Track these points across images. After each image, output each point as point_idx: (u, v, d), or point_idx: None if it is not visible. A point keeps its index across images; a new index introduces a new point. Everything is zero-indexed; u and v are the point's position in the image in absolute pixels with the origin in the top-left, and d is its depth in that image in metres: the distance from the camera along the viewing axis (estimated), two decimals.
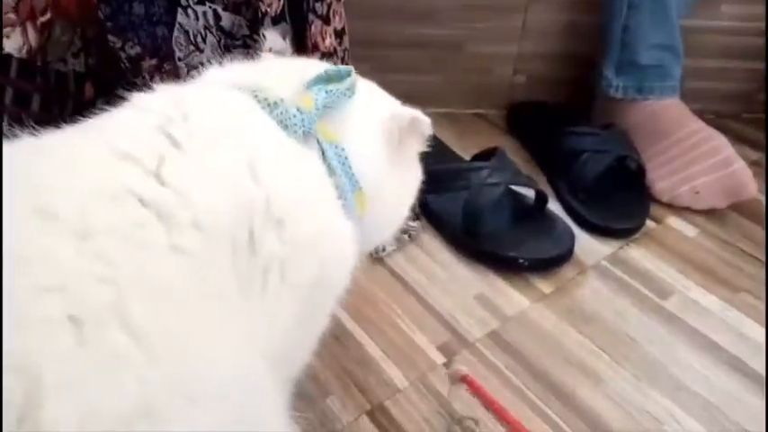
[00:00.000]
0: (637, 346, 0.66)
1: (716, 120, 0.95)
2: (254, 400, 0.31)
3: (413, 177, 0.52)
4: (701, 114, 0.89)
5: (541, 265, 0.75)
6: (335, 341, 0.65)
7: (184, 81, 0.44)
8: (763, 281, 0.74)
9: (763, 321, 0.69)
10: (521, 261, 0.74)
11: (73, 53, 0.69)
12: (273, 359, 0.34)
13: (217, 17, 0.63)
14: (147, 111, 0.36)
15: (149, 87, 0.39)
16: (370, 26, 0.95)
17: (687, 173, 0.84)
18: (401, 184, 0.50)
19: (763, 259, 0.77)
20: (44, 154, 0.32)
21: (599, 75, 0.92)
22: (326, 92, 0.42)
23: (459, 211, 0.77)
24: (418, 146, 0.51)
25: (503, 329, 0.68)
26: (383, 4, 0.95)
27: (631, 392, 0.61)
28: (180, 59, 0.65)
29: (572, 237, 0.77)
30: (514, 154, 0.91)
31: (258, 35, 0.61)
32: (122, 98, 0.38)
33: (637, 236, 0.81)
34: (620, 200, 0.84)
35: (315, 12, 0.64)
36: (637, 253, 0.78)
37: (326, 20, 0.65)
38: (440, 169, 0.79)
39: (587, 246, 0.79)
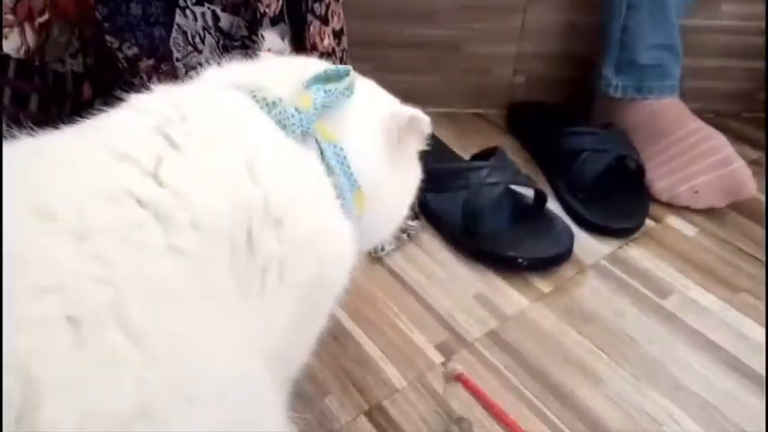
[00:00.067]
0: (636, 346, 0.66)
1: (715, 119, 0.95)
2: (253, 400, 0.31)
3: (412, 176, 0.52)
4: (700, 113, 0.89)
5: (540, 265, 0.75)
6: (334, 340, 0.65)
7: (182, 81, 0.44)
8: (763, 280, 0.74)
9: (761, 321, 0.69)
10: (520, 260, 0.74)
11: (71, 53, 0.69)
12: (272, 359, 0.34)
13: (215, 18, 0.63)
14: (145, 111, 0.36)
15: (147, 88, 0.39)
16: (369, 26, 0.95)
17: (686, 172, 0.84)
18: (400, 183, 0.50)
19: (763, 258, 0.77)
20: (42, 154, 0.32)
21: (598, 74, 0.92)
22: (325, 91, 0.42)
23: (458, 210, 0.77)
24: (418, 145, 0.51)
25: (502, 329, 0.68)
26: (382, 5, 0.95)
27: (630, 392, 0.61)
28: (178, 60, 0.65)
29: (571, 236, 0.77)
30: (514, 154, 0.91)
31: (257, 36, 0.61)
32: (120, 99, 0.38)
33: (636, 235, 0.81)
34: (619, 199, 0.84)
35: (313, 12, 0.64)
36: (636, 252, 0.78)
37: (325, 20, 0.65)
38: (439, 169, 0.79)
39: (586, 245, 0.79)
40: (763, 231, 0.81)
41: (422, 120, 0.47)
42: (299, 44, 0.64)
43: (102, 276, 0.26)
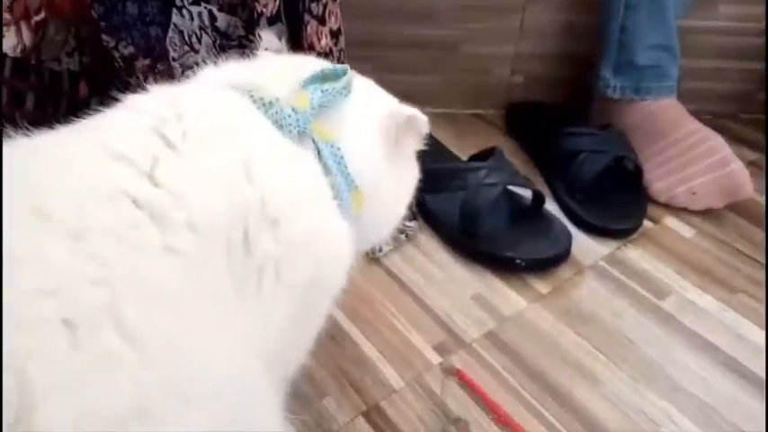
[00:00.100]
0: (634, 347, 0.66)
1: (713, 120, 0.95)
2: (249, 401, 0.31)
3: (410, 176, 0.52)
4: (698, 115, 0.89)
5: (539, 266, 0.75)
6: (332, 341, 0.65)
7: (179, 81, 0.43)
8: (760, 281, 0.74)
9: (759, 322, 0.69)
10: (518, 261, 0.74)
11: (67, 52, 0.69)
12: (269, 359, 0.34)
13: (212, 18, 0.63)
14: (141, 111, 0.36)
15: (143, 87, 0.39)
16: (368, 26, 0.95)
17: (684, 173, 0.84)
18: (398, 182, 0.50)
19: (760, 260, 0.77)
20: (38, 155, 0.32)
21: (596, 75, 0.92)
22: (322, 91, 0.41)
23: (456, 211, 0.77)
24: (416, 144, 0.51)
25: (500, 330, 0.68)
26: (381, 5, 0.95)
27: (628, 393, 0.61)
28: (174, 60, 0.65)
29: (569, 237, 0.77)
30: (512, 154, 0.91)
31: (254, 36, 0.61)
32: (117, 98, 0.38)
33: (634, 236, 0.81)
34: (617, 200, 0.84)
35: (310, 12, 0.64)
36: (634, 253, 0.78)
37: (322, 20, 0.65)
38: (437, 169, 0.79)
39: (584, 246, 0.79)
40: (760, 232, 0.81)
41: (420, 119, 0.47)
42: (297, 44, 0.64)
43: (97, 277, 0.26)
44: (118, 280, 0.27)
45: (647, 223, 0.83)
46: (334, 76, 0.43)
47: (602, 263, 0.77)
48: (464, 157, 0.89)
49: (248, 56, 0.50)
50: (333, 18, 0.66)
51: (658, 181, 0.86)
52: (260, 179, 0.35)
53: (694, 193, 0.84)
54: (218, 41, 0.64)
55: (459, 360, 0.64)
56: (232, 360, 0.31)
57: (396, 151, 0.47)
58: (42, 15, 0.65)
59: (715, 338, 0.67)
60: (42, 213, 0.27)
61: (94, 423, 0.23)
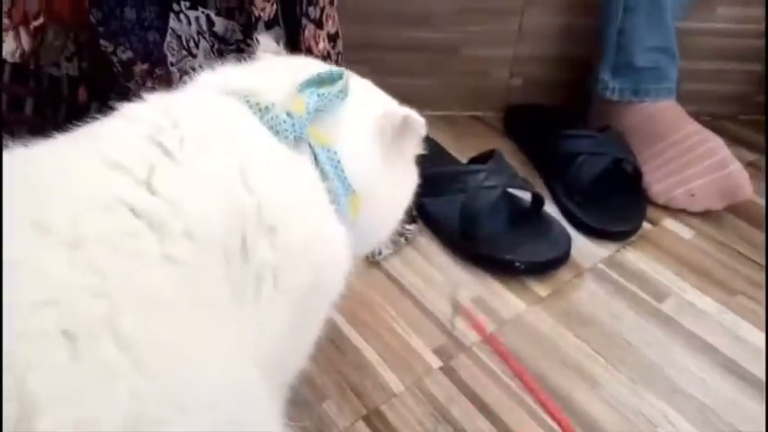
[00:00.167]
0: (633, 349, 0.66)
1: (712, 121, 0.95)
2: (246, 408, 0.31)
3: (409, 180, 0.52)
4: (697, 116, 0.89)
5: (538, 268, 0.75)
6: (332, 345, 0.65)
7: (177, 86, 0.43)
8: (760, 283, 0.74)
9: (758, 324, 0.69)
10: (517, 264, 0.74)
11: (66, 57, 0.69)
12: (267, 366, 0.34)
13: (210, 22, 0.63)
14: (138, 120, 0.36)
15: (142, 92, 0.39)
16: (366, 30, 0.95)
17: (683, 175, 0.84)
18: (396, 185, 0.50)
19: (760, 261, 0.77)
20: (35, 164, 0.32)
21: (595, 77, 0.92)
22: (318, 95, 0.41)
23: (455, 214, 0.77)
24: (414, 148, 0.51)
25: (499, 333, 0.68)
26: (379, 8, 0.95)
27: (627, 395, 0.61)
28: (173, 64, 0.65)
29: (568, 239, 0.77)
30: (511, 157, 0.91)
31: (251, 40, 0.61)
32: (115, 105, 0.38)
33: (633, 238, 0.81)
34: (616, 202, 0.84)
35: (308, 16, 0.64)
36: (633, 255, 0.78)
37: (319, 24, 0.65)
38: (437, 172, 0.79)
39: (584, 248, 0.79)
40: (760, 234, 0.81)
41: (416, 120, 0.47)
42: (294, 48, 0.64)
43: (96, 288, 0.26)
44: (116, 290, 0.27)
45: (646, 225, 0.83)
46: (331, 80, 0.43)
47: (601, 265, 0.77)
48: (463, 160, 0.89)
49: (246, 60, 0.50)
50: (330, 22, 0.66)
51: (657, 183, 0.86)
52: (257, 186, 0.35)
53: (693, 195, 0.84)
54: (215, 46, 0.64)
55: (458, 363, 0.64)
56: (228, 368, 0.31)
57: (393, 153, 0.47)
58: (41, 20, 0.66)
59: (714, 340, 0.67)
60: (41, 224, 0.27)
61: None
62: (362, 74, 0.51)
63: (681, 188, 0.84)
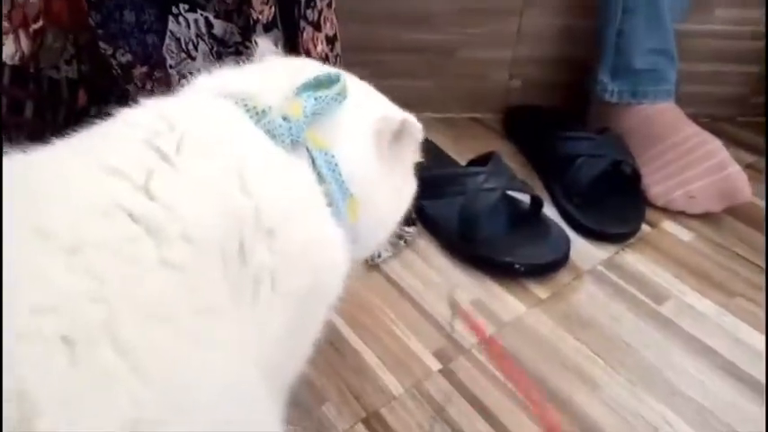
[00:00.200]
0: (632, 351, 0.66)
1: (711, 123, 0.95)
2: (246, 408, 0.31)
3: (406, 183, 0.52)
4: (695, 118, 0.90)
5: (537, 271, 0.75)
6: (331, 348, 0.65)
7: (176, 88, 0.43)
8: (759, 285, 0.74)
9: (758, 326, 0.69)
10: (517, 266, 0.74)
11: (65, 60, 0.69)
12: (266, 369, 0.34)
13: (208, 25, 0.63)
14: (135, 125, 0.36)
15: (141, 95, 0.39)
16: (365, 31, 0.95)
17: (682, 177, 0.84)
18: (393, 187, 0.49)
19: (759, 263, 0.77)
20: (34, 170, 0.32)
21: (594, 79, 0.93)
22: (315, 99, 0.41)
23: (455, 216, 0.77)
24: (413, 155, 0.51)
25: (499, 335, 0.68)
26: (378, 10, 0.95)
27: (626, 398, 0.61)
28: (172, 67, 0.65)
29: (567, 242, 0.77)
30: (510, 158, 0.91)
31: (250, 42, 0.61)
32: (114, 110, 0.38)
33: (632, 240, 0.81)
34: (615, 204, 0.84)
35: (306, 18, 0.64)
36: (632, 258, 0.78)
37: (317, 26, 0.65)
38: (436, 174, 0.79)
39: (583, 251, 0.79)
40: (759, 236, 0.82)
41: (413, 124, 0.47)
42: (293, 50, 0.64)
43: (94, 293, 0.26)
44: (114, 296, 0.27)
45: (645, 227, 0.83)
46: (328, 83, 0.43)
47: (600, 267, 0.77)
48: (462, 162, 0.89)
49: (245, 62, 0.50)
50: (328, 24, 0.66)
51: (656, 185, 0.86)
52: (254, 189, 0.35)
53: (692, 197, 0.84)
54: (214, 48, 0.64)
55: (458, 366, 0.64)
56: (228, 368, 0.31)
57: (391, 157, 0.47)
58: (40, 23, 0.66)
59: (713, 342, 0.67)
60: (40, 230, 0.27)
61: None
62: (361, 76, 0.50)
63: (680, 190, 0.84)
